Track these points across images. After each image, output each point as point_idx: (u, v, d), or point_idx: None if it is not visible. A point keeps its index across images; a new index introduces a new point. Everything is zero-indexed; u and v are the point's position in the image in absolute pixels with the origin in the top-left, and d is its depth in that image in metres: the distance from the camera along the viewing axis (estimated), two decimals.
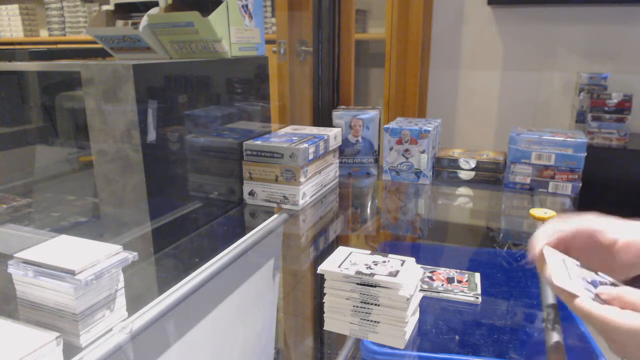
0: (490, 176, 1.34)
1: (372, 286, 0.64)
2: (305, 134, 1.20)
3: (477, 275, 0.86)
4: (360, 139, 1.42)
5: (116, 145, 0.83)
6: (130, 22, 1.12)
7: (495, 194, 1.30)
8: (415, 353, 0.69)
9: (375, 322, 0.65)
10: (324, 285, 0.68)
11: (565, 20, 2.11)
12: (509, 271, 0.96)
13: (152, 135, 0.84)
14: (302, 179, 1.09)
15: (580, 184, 1.22)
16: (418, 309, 0.71)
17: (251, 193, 1.13)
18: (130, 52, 1.10)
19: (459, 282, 0.84)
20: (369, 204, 1.34)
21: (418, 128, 1.31)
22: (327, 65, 1.70)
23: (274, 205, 1.12)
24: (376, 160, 1.44)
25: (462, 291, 0.81)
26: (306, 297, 1.08)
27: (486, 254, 1.05)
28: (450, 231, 1.22)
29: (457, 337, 0.76)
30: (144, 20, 1.02)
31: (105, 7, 1.14)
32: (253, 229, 0.98)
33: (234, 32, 1.07)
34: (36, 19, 3.75)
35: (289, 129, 1.29)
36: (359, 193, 1.38)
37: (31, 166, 1.10)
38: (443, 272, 0.87)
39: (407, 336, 0.65)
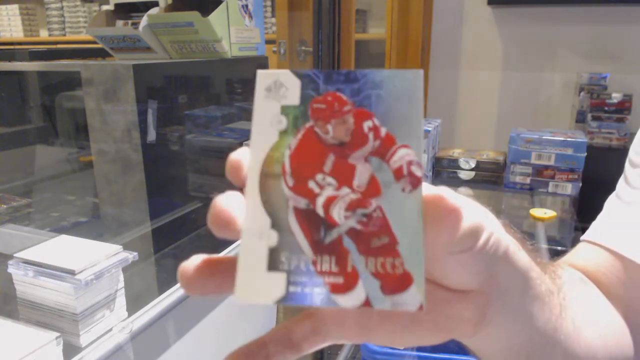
0: (490, 176, 1.33)
1: None
2: None
3: None
4: None
5: (116, 145, 0.83)
6: (130, 22, 1.12)
7: (495, 194, 1.30)
8: (415, 353, 0.69)
9: None
10: None
11: (565, 20, 2.11)
12: None
13: (152, 135, 0.84)
14: None
15: (580, 184, 1.22)
16: None
17: None
18: (130, 52, 1.10)
19: None
20: None
21: None
22: (327, 65, 1.70)
23: None
24: None
25: None
26: None
27: None
28: None
29: None
30: (144, 20, 1.02)
31: (105, 7, 1.14)
32: None
33: (234, 32, 1.07)
34: (36, 19, 3.75)
35: None
36: None
37: (31, 166, 1.10)
38: None
39: None
